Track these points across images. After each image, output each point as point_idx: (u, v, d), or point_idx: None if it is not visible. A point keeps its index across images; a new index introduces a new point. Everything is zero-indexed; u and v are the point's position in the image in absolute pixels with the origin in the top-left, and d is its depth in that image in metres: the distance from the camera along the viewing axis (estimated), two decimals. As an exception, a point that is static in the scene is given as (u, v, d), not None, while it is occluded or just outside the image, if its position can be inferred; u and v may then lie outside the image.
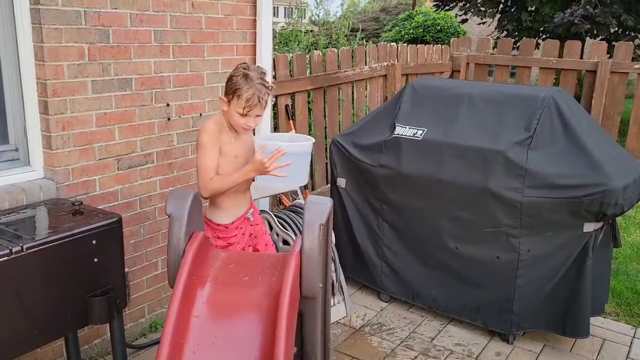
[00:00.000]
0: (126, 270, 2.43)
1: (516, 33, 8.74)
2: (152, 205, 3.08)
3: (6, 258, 1.92)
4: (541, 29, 8.20)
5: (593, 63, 6.00)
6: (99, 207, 2.58)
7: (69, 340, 2.61)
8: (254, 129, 2.61)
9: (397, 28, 15.57)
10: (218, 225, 2.48)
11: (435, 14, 13.87)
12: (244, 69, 2.36)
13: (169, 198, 2.08)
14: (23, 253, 1.97)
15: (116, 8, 2.68)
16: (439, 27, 14.43)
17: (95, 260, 2.23)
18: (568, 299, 3.01)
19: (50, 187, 2.55)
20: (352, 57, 5.18)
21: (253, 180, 2.49)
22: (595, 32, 7.89)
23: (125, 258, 2.43)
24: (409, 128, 3.31)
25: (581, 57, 6.30)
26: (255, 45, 3.49)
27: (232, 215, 2.49)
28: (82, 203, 2.41)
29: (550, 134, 2.97)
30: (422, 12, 15.36)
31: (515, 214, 2.96)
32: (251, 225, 2.59)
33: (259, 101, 2.34)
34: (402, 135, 3.31)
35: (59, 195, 2.58)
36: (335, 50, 4.98)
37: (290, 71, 4.42)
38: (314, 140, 2.53)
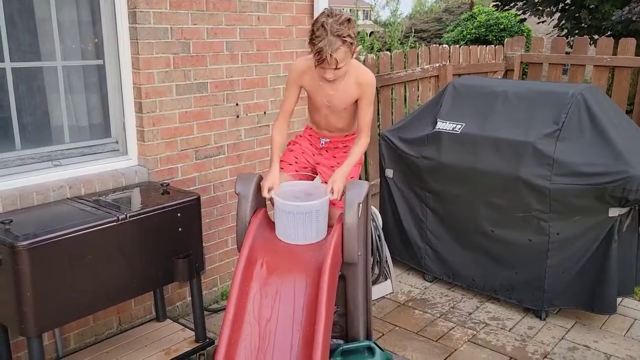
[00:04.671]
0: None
1: (576, 31, 8.76)
2: (224, 190, 3.60)
3: (114, 223, 2.48)
4: (601, 26, 8.20)
5: (647, 60, 6.06)
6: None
7: (157, 297, 3.17)
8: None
9: (460, 28, 15.64)
10: (307, 126, 2.86)
11: (498, 13, 13.87)
12: (327, 15, 2.26)
13: (237, 180, 2.57)
14: (126, 220, 2.52)
15: (196, 24, 3.21)
16: (502, 27, 14.43)
17: (180, 229, 2.76)
18: (595, 278, 3.27)
19: (143, 172, 3.12)
20: (405, 59, 5.55)
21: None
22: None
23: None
24: (449, 123, 3.67)
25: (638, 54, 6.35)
26: (312, 52, 3.95)
27: (314, 129, 2.81)
28: (169, 184, 2.96)
29: (578, 127, 3.25)
30: (484, 11, 15.38)
31: (544, 199, 3.26)
32: (321, 147, 2.80)
33: (329, 58, 2.24)
34: (442, 129, 3.67)
35: (150, 179, 3.14)
36: (389, 54, 5.37)
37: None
38: (324, 199, 2.45)
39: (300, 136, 2.87)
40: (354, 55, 2.40)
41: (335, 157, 2.80)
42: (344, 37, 2.24)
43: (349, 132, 2.76)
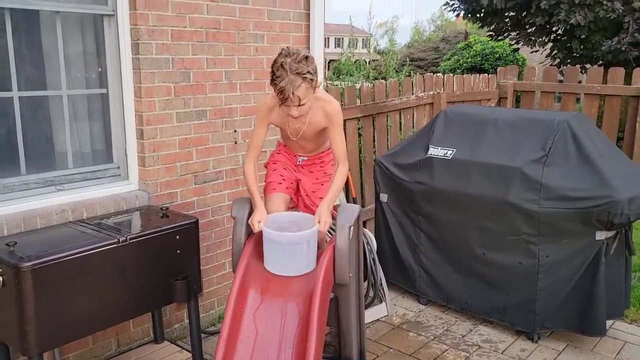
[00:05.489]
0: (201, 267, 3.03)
1: (569, 60, 8.99)
2: (222, 214, 3.70)
3: (115, 245, 2.57)
4: (592, 56, 8.42)
5: (636, 88, 6.22)
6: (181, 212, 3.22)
7: (155, 319, 3.24)
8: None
9: (456, 57, 15.95)
10: (279, 143, 2.93)
11: (494, 42, 14.15)
12: (285, 55, 2.31)
13: (233, 204, 2.67)
14: (127, 242, 2.61)
15: (196, 54, 3.35)
16: (497, 55, 14.72)
17: (178, 251, 2.85)
18: (585, 300, 3.34)
19: (144, 196, 3.22)
20: (400, 87, 5.70)
21: None
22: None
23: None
24: (441, 149, 3.78)
25: (630, 83, 6.52)
26: (308, 80, 4.09)
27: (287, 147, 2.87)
28: (168, 208, 3.06)
29: (564, 153, 3.36)
30: (480, 40, 15.70)
31: (533, 223, 3.35)
32: (299, 164, 2.85)
33: (291, 96, 2.29)
34: (434, 155, 3.79)
35: (150, 203, 3.23)
36: (384, 82, 5.52)
37: (341, 101, 4.99)
38: (313, 229, 2.48)
39: (278, 153, 2.90)
40: (316, 90, 2.44)
41: (312, 172, 2.85)
42: (304, 74, 2.29)
43: (324, 149, 2.83)
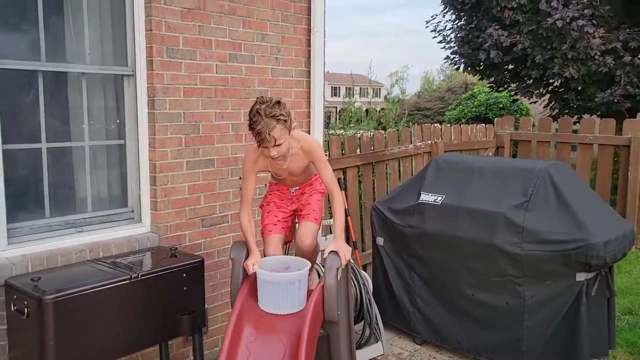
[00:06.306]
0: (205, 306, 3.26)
1: (566, 111, 9.32)
2: (227, 256, 3.94)
3: (127, 281, 2.84)
4: (587, 107, 8.76)
5: (627, 138, 6.50)
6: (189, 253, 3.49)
7: (162, 355, 3.46)
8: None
9: (461, 107, 16.44)
10: (270, 183, 3.18)
11: (497, 92, 14.58)
12: (260, 102, 2.58)
13: (232, 247, 2.94)
14: (138, 279, 2.88)
15: (205, 109, 3.70)
16: (501, 105, 15.15)
17: (185, 288, 3.11)
18: (568, 339, 3.52)
19: (155, 238, 3.50)
20: (399, 137, 6.03)
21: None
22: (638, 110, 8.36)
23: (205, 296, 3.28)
24: (431, 195, 4.05)
25: (621, 133, 6.80)
26: (309, 130, 4.43)
27: (278, 185, 3.12)
28: (177, 249, 3.33)
29: (544, 199, 3.61)
30: (484, 91, 16.18)
31: (517, 265, 3.57)
32: (293, 196, 3.10)
33: (267, 137, 2.53)
34: (425, 201, 4.05)
35: (160, 244, 3.51)
36: (383, 132, 5.86)
37: (342, 150, 5.32)
38: (302, 270, 2.69)
39: (270, 193, 3.15)
40: (291, 132, 2.70)
41: (304, 193, 3.10)
42: (277, 116, 2.55)
43: (312, 176, 3.07)
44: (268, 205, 3.13)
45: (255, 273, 2.75)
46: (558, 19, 8.27)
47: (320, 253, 3.20)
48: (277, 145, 2.63)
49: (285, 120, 2.61)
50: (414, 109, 20.97)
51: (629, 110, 8.06)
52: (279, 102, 2.62)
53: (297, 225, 3.17)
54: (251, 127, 2.62)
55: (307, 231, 3.00)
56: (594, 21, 8.34)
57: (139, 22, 3.38)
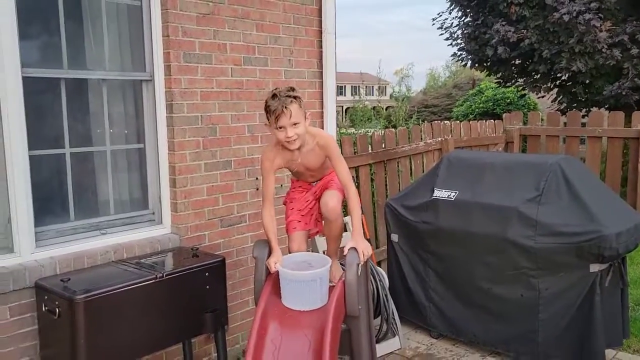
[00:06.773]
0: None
1: (574, 104, 9.34)
2: (246, 255, 4.04)
3: (153, 281, 2.93)
4: (595, 100, 8.78)
5: (636, 130, 6.53)
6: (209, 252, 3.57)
7: (185, 353, 3.55)
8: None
9: (468, 103, 16.43)
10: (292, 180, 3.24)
11: (505, 88, 14.57)
12: (275, 90, 2.75)
13: (255, 246, 3.01)
14: (163, 279, 2.97)
15: (222, 112, 3.79)
16: (509, 100, 15.15)
17: (207, 287, 3.19)
18: (583, 330, 3.58)
19: (176, 239, 3.59)
20: (409, 135, 6.09)
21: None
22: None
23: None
24: (445, 191, 4.12)
25: (630, 126, 6.83)
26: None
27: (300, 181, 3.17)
28: (198, 249, 3.42)
29: (556, 192, 3.67)
30: (491, 87, 16.17)
31: (531, 258, 3.63)
32: (314, 186, 3.13)
33: (284, 110, 2.64)
34: (439, 197, 4.12)
35: (181, 245, 3.60)
36: (394, 130, 5.92)
37: (354, 149, 5.39)
38: (323, 268, 2.76)
39: (292, 190, 3.21)
40: (307, 120, 2.80)
41: (322, 180, 3.13)
42: (292, 96, 2.70)
43: (329, 171, 3.11)
44: (291, 202, 3.20)
45: (277, 271, 2.82)
46: (565, 13, 8.30)
47: (340, 249, 3.26)
48: (294, 125, 2.70)
49: (300, 99, 2.73)
50: (421, 106, 20.99)
51: (637, 102, 8.08)
52: (292, 88, 2.77)
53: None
54: (268, 108, 2.72)
55: (330, 195, 2.98)
56: (600, 14, 8.36)
57: (156, 28, 3.47)
